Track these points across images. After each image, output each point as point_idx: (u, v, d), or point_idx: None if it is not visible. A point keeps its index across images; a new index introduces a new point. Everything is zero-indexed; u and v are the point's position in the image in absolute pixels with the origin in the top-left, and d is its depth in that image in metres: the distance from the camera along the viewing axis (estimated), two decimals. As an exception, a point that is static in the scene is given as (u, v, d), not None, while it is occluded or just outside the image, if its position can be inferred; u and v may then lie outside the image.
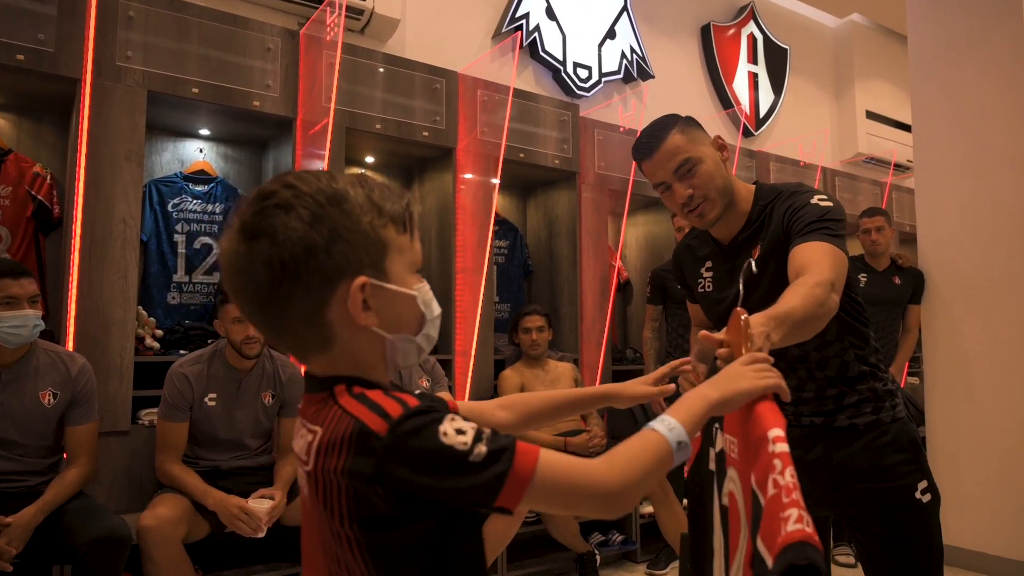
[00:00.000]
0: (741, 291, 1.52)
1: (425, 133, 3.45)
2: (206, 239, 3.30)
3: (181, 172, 3.27)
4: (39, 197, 2.90)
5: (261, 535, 2.31)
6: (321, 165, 3.00)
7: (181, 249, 3.24)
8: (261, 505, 2.34)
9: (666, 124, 1.50)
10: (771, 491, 0.76)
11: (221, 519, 2.31)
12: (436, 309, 0.85)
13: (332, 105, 2.89)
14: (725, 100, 5.48)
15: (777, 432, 0.81)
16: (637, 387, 1.20)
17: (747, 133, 5.58)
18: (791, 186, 1.53)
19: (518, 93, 3.80)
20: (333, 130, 2.91)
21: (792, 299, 1.16)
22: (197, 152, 3.34)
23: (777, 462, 0.77)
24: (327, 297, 0.76)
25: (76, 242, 2.58)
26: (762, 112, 5.73)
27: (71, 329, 2.54)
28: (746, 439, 0.88)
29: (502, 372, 3.46)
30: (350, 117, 3.20)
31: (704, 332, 1.02)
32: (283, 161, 3.22)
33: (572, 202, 4.03)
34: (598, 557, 3.25)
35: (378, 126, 3.30)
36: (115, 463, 2.62)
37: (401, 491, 0.71)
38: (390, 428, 0.71)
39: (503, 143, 3.59)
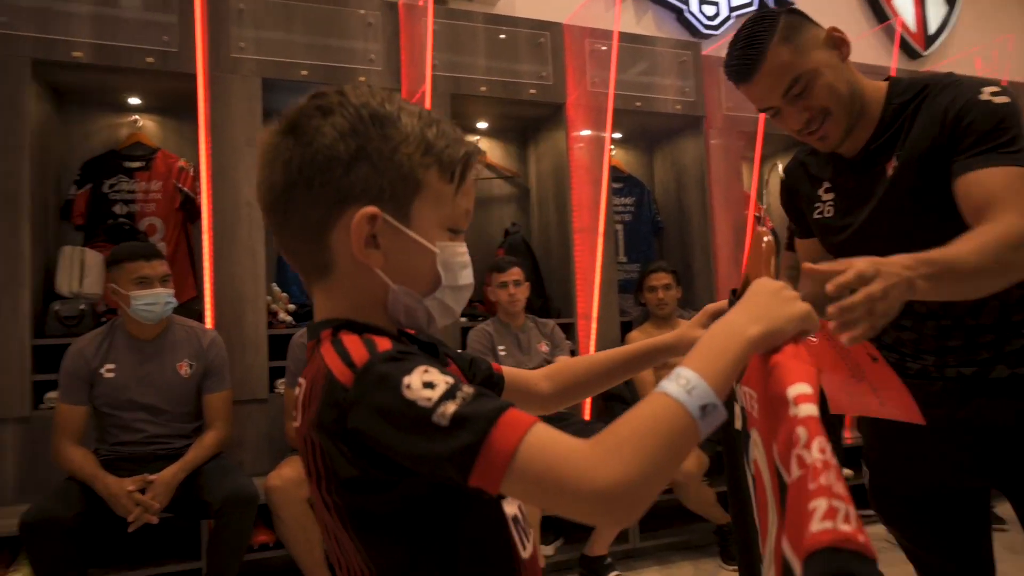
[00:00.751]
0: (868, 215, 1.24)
1: (532, 91, 3.34)
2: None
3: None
4: (184, 189, 3.16)
5: None
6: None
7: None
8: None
9: (762, 32, 1.20)
10: (795, 471, 0.57)
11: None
12: (462, 278, 0.74)
13: (428, 71, 2.88)
14: (880, 14, 4.81)
15: (801, 389, 0.61)
16: (699, 331, 0.98)
17: (913, 54, 4.88)
18: (940, 77, 1.20)
19: (630, 37, 3.57)
20: (433, 97, 2.89)
21: (964, 247, 0.92)
22: (318, 134, 3.48)
23: (801, 431, 0.58)
24: (334, 217, 0.68)
25: (208, 227, 2.79)
26: (931, 27, 4.98)
27: (209, 306, 2.76)
28: (765, 395, 0.67)
29: (629, 334, 3.31)
30: (454, 83, 3.18)
31: (808, 264, 0.82)
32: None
33: (699, 150, 3.74)
34: (740, 528, 3.03)
35: (483, 88, 3.25)
36: (256, 428, 2.83)
37: (369, 451, 0.60)
38: (355, 378, 0.61)
39: (610, 92, 3.38)
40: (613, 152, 3.98)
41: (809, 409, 0.59)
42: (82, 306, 2.69)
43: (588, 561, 2.71)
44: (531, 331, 3.06)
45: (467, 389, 0.59)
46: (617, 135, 3.97)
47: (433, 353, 0.78)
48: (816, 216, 1.40)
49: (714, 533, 3.01)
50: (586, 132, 3.42)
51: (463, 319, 3.22)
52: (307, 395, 0.67)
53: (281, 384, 2.87)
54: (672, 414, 0.58)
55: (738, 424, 0.82)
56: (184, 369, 2.39)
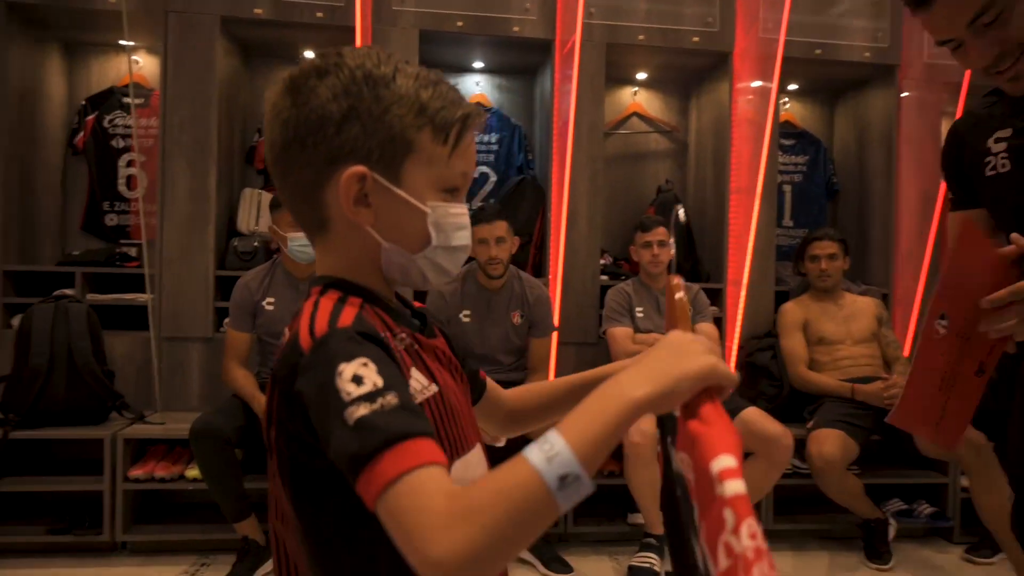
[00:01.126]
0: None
1: (695, 38, 3.12)
2: (483, 168, 3.50)
3: (461, 106, 3.49)
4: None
5: (499, 444, 2.45)
6: (572, 88, 2.93)
7: (462, 179, 3.50)
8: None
9: None
10: (723, 562, 0.49)
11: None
12: (456, 239, 0.74)
13: (579, 18, 2.77)
14: None
15: (726, 463, 0.51)
16: None
17: None
18: None
19: (813, -25, 3.19)
20: (587, 48, 2.80)
21: None
22: (475, 86, 3.53)
23: (728, 514, 0.49)
24: (326, 176, 0.70)
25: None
26: None
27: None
28: (695, 465, 0.57)
29: (783, 305, 3.07)
30: (610, 31, 3.05)
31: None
32: (546, 86, 3.22)
33: (888, 103, 3.31)
34: (892, 527, 2.75)
35: (641, 37, 3.09)
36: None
37: (305, 415, 0.62)
38: (311, 347, 0.63)
39: (781, 36, 3.06)
40: (786, 106, 3.64)
41: (736, 487, 0.50)
42: (256, 243, 2.99)
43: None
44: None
45: (391, 399, 0.57)
46: (793, 86, 3.62)
47: (421, 323, 0.79)
48: (989, 172, 1.19)
49: (858, 527, 2.76)
50: (755, 83, 3.15)
51: (604, 277, 3.16)
52: (284, 343, 0.69)
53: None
54: (527, 484, 0.52)
55: (678, 466, 0.67)
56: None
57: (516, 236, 2.71)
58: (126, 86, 3.11)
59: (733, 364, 3.07)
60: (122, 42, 3.10)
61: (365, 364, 0.59)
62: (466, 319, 2.68)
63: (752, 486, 2.53)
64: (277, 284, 2.55)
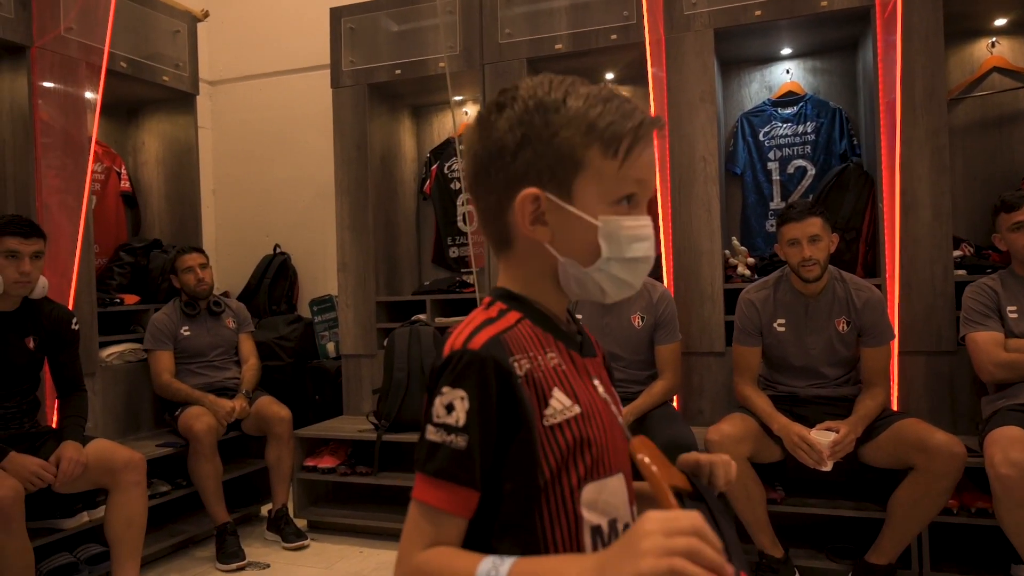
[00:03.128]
0: None
1: (1076, -41, 2.44)
2: (800, 162, 3.20)
3: (770, 99, 3.25)
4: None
5: (824, 468, 2.19)
6: (896, 54, 2.51)
7: (776, 176, 3.25)
8: (823, 438, 2.20)
9: None
10: None
11: (785, 445, 2.28)
12: (632, 251, 0.76)
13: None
14: None
15: None
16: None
17: None
18: None
19: None
20: (909, 4, 2.39)
21: None
22: (784, 74, 3.26)
23: None
24: (507, 200, 0.77)
25: (666, 183, 2.93)
26: None
27: (666, 260, 2.91)
28: None
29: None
30: (946, -22, 2.55)
31: None
32: (868, 59, 2.82)
33: None
34: None
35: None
36: (714, 381, 2.90)
37: None
38: (445, 358, 0.73)
39: None
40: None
41: None
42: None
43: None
44: None
45: (459, 441, 0.69)
46: None
47: (572, 346, 0.81)
48: None
49: None
50: None
51: (961, 272, 2.63)
52: None
53: (737, 339, 2.85)
54: None
55: None
56: (637, 320, 2.60)
57: (838, 232, 2.41)
58: (460, 135, 3.59)
59: None
60: (454, 98, 3.58)
61: (463, 398, 0.69)
62: (781, 328, 2.46)
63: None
64: (581, 302, 2.65)
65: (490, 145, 0.77)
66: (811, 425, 2.29)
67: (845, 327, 2.39)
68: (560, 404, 0.73)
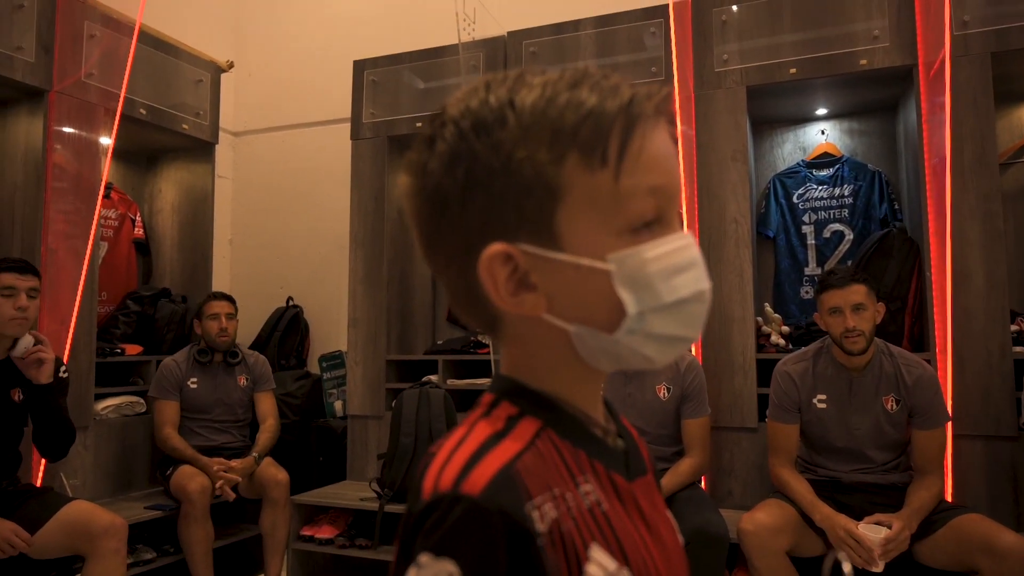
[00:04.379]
0: None
1: None
2: (836, 226, 3.04)
3: (804, 160, 3.11)
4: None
5: (875, 569, 1.94)
6: (944, 116, 2.36)
7: (810, 240, 3.08)
8: (874, 533, 1.96)
9: None
10: None
11: (829, 539, 2.04)
12: (671, 292, 0.50)
13: (947, 31, 2.25)
14: None
15: None
16: None
17: None
18: None
19: None
20: (957, 65, 2.25)
21: None
22: (819, 135, 3.12)
23: None
24: (470, 269, 0.52)
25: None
26: None
27: (695, 328, 2.72)
28: None
29: None
30: (995, 37, 2.42)
31: None
32: (911, 119, 2.68)
33: None
34: None
35: (1044, 36, 2.39)
36: (745, 459, 2.66)
37: None
38: (423, 506, 0.47)
39: None
40: None
41: None
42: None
43: None
44: None
45: None
46: None
47: (615, 465, 0.55)
48: None
49: None
50: None
51: (1019, 348, 2.40)
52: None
53: (771, 413, 2.64)
54: None
55: None
56: (662, 392, 2.41)
57: (881, 302, 2.22)
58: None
59: None
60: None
61: (451, 574, 0.43)
62: (821, 405, 2.25)
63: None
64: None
65: (425, 199, 0.53)
66: (856, 515, 2.06)
67: (894, 406, 2.17)
68: (601, 572, 0.48)
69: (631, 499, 0.54)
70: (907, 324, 2.66)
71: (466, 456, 0.48)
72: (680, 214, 0.55)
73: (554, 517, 0.47)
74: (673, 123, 0.49)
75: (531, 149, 0.50)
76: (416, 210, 0.55)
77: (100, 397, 2.99)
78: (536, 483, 0.48)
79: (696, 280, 0.52)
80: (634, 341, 0.51)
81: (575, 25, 3.02)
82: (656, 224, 0.51)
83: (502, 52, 3.15)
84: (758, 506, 2.17)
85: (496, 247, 0.51)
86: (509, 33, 3.14)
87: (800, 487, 2.17)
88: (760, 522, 2.07)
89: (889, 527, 1.97)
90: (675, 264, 0.51)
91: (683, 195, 2.79)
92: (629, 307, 0.50)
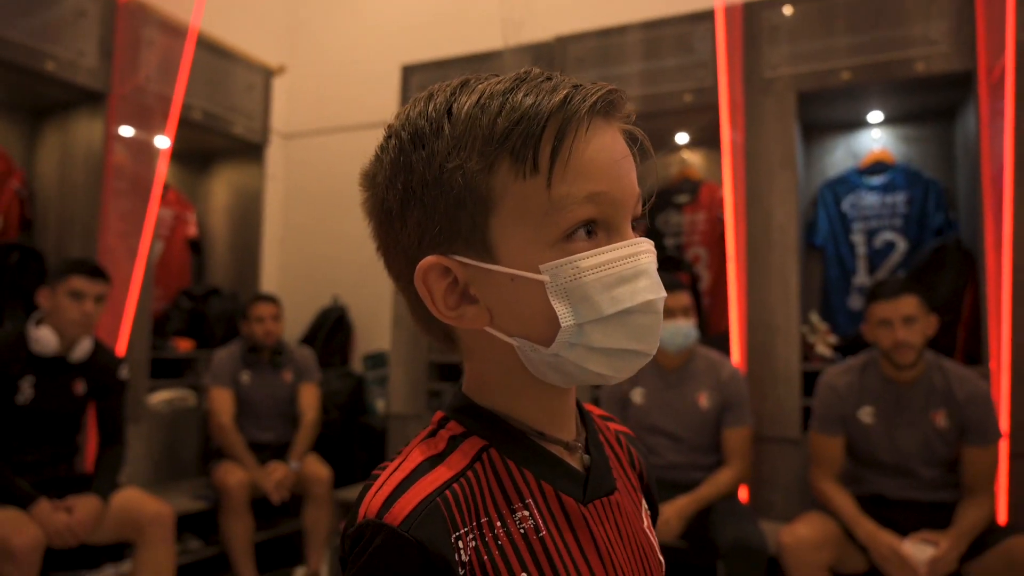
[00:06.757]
0: None
1: None
2: (889, 235, 2.95)
3: (855, 167, 3.03)
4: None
5: None
6: (1007, 123, 2.27)
7: (860, 250, 3.00)
8: (920, 552, 1.90)
9: None
10: None
11: (872, 557, 1.99)
12: (611, 302, 0.48)
13: (1009, 35, 2.17)
14: None
15: None
16: None
17: None
18: None
19: None
20: (1016, 72, 2.17)
21: None
22: (871, 142, 3.04)
23: None
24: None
25: (736, 254, 2.73)
26: None
27: (737, 336, 2.68)
28: None
29: None
30: (1061, 42, 2.32)
31: None
32: (969, 127, 2.59)
33: None
34: None
35: (1115, 40, 2.28)
36: (788, 471, 2.61)
37: None
38: (353, 532, 0.49)
39: None
40: None
41: None
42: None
43: None
44: None
45: None
46: None
47: (570, 487, 0.54)
48: None
49: None
50: None
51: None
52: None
53: (815, 426, 2.58)
54: None
55: None
56: (703, 400, 2.38)
57: (934, 314, 2.15)
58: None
59: None
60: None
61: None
62: (868, 419, 2.19)
63: None
64: (646, 375, 2.44)
65: (376, 213, 0.54)
66: (901, 533, 2.00)
67: (945, 422, 2.10)
68: None
69: (581, 523, 0.52)
70: (961, 338, 2.57)
71: (395, 483, 0.49)
72: (638, 219, 0.53)
73: (477, 548, 0.47)
74: (626, 121, 0.46)
75: (463, 158, 0.49)
76: (371, 224, 0.56)
77: (152, 390, 3.09)
78: (462, 513, 0.48)
79: (645, 290, 0.50)
80: (576, 355, 0.50)
81: (621, 30, 3.00)
82: (600, 232, 0.50)
83: (548, 57, 3.15)
84: (799, 519, 2.13)
85: (429, 259, 0.51)
86: (556, 38, 3.14)
87: (843, 501, 2.12)
88: (801, 536, 2.02)
89: (936, 545, 1.91)
90: (617, 274, 0.49)
91: (730, 202, 2.76)
92: (563, 319, 0.49)
